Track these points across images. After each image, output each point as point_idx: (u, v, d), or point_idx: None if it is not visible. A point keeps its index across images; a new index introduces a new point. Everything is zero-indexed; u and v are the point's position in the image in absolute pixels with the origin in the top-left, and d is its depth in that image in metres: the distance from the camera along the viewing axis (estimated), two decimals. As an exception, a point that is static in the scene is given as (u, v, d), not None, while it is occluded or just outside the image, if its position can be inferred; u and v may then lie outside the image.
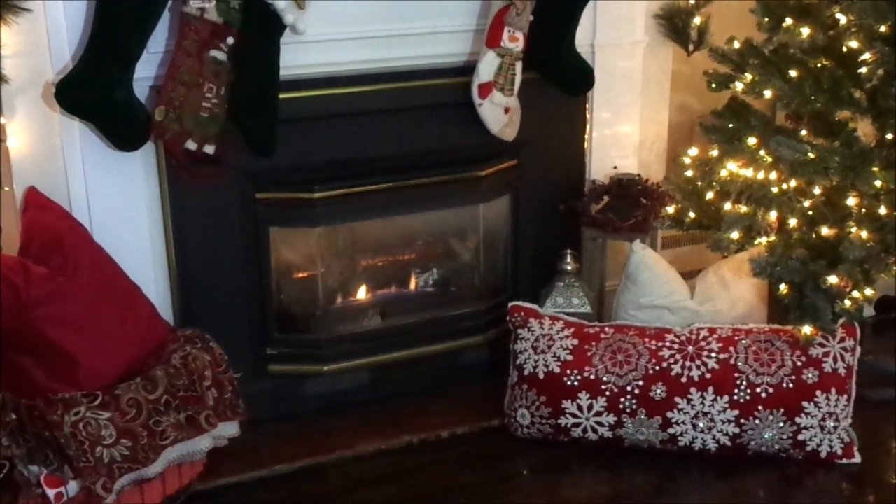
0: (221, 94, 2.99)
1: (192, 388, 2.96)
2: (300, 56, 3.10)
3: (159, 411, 2.88)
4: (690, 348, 3.18)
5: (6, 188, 3.00)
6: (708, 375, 3.13)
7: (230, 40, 2.96)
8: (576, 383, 3.17)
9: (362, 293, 3.67)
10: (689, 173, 3.42)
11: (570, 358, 3.20)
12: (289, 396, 3.46)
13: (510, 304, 3.36)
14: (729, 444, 3.14)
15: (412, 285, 3.77)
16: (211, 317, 3.23)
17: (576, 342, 3.23)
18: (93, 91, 2.85)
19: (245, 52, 2.97)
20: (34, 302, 2.74)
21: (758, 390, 3.10)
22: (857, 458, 3.19)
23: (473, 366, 3.67)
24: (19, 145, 2.97)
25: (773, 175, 3.15)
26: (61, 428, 2.70)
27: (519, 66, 3.32)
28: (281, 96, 3.05)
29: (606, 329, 3.28)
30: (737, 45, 3.27)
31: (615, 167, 3.70)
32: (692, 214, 3.37)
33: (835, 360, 3.14)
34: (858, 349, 3.18)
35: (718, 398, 3.12)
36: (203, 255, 3.23)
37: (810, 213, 3.14)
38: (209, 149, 3.01)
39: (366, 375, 3.56)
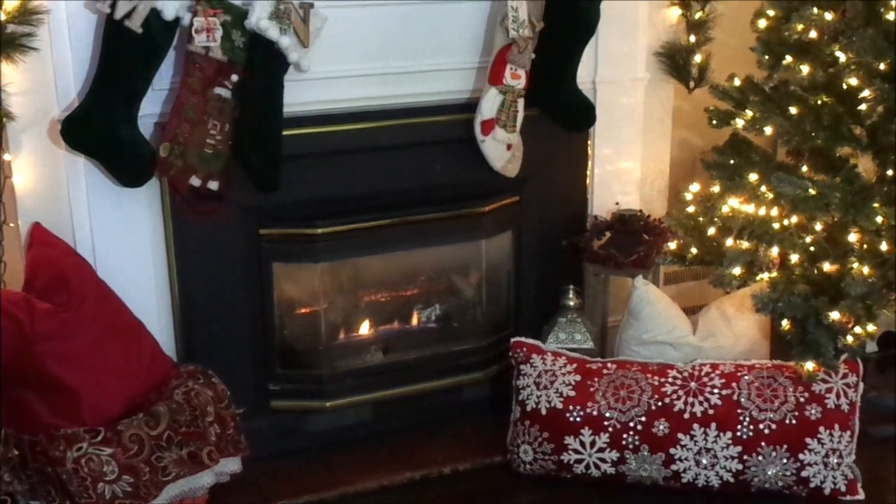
0: (225, 131, 3.02)
1: (195, 424, 2.96)
2: (303, 93, 3.13)
3: (161, 447, 2.87)
4: (693, 384, 3.17)
5: (11, 224, 3.02)
6: (711, 411, 3.12)
7: (234, 77, 2.99)
8: (578, 419, 3.16)
9: (365, 329, 3.67)
10: (691, 209, 3.44)
11: (572, 394, 3.19)
12: (291, 432, 3.45)
13: (512, 340, 3.36)
14: (732, 480, 3.13)
15: (414, 321, 3.77)
16: (213, 352, 3.24)
17: (578, 378, 3.22)
18: (98, 128, 2.87)
19: (249, 89, 3.00)
20: (38, 337, 2.75)
21: (761, 426, 3.09)
22: (861, 495, 3.17)
23: (476, 402, 3.66)
24: (24, 182, 2.99)
25: (775, 211, 3.16)
26: (63, 464, 2.70)
27: (521, 103, 3.35)
28: (284, 133, 3.08)
29: (609, 365, 3.28)
30: (737, 82, 3.30)
31: (617, 203, 3.71)
32: (694, 250, 3.37)
33: (838, 397, 3.13)
34: (861, 385, 3.17)
35: (721, 434, 3.11)
36: (206, 290, 3.23)
37: (812, 249, 3.14)
38: (213, 185, 3.04)
39: (368, 411, 3.55)
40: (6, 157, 2.94)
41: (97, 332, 2.92)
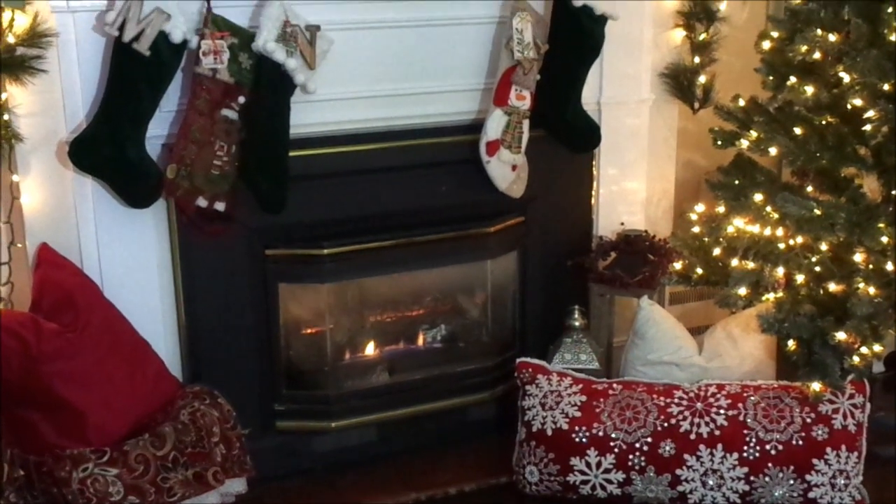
0: (232, 152, 3.04)
1: (200, 445, 2.96)
2: (310, 114, 3.15)
3: (167, 468, 2.87)
4: (699, 405, 3.17)
5: (19, 245, 3.03)
6: (717, 432, 3.11)
7: (241, 99, 3.01)
8: (584, 440, 3.16)
9: (370, 349, 3.68)
10: (696, 229, 3.44)
11: (578, 414, 3.19)
12: (296, 453, 3.45)
13: (518, 360, 3.36)
14: (739, 501, 3.12)
15: (420, 341, 3.77)
16: (219, 372, 3.24)
17: (584, 398, 3.22)
18: (106, 149, 2.89)
19: (256, 111, 3.02)
20: (44, 357, 2.76)
21: (767, 447, 3.09)
22: (869, 516, 3.16)
23: (481, 422, 3.66)
24: (32, 202, 3.00)
25: (780, 231, 3.17)
26: (69, 484, 2.70)
27: (526, 124, 3.36)
28: (291, 154, 3.09)
29: (615, 385, 3.28)
30: (742, 102, 3.31)
31: (622, 223, 3.72)
32: (699, 270, 3.38)
33: (845, 417, 3.12)
34: (868, 406, 3.16)
35: (728, 455, 3.10)
36: (212, 311, 3.24)
37: (817, 269, 3.14)
38: (219, 206, 3.05)
39: (373, 432, 3.55)
40: (14, 178, 2.96)
41: (103, 353, 2.93)
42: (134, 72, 2.85)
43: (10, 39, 2.77)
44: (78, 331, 2.86)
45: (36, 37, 2.80)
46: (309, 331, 3.56)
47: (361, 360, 3.66)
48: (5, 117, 2.84)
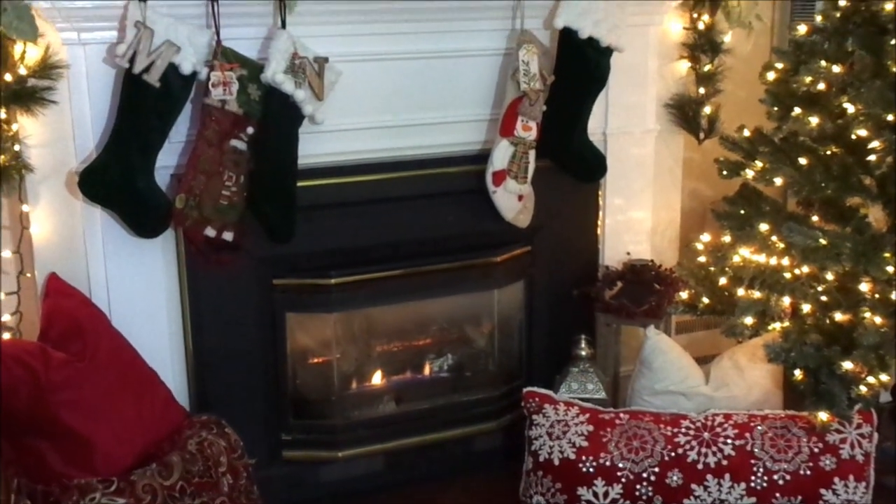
0: (241, 183, 3.05)
1: (208, 475, 2.95)
2: (317, 145, 3.17)
3: (174, 497, 2.86)
4: (706, 434, 3.16)
5: (28, 274, 3.04)
6: (724, 462, 3.10)
7: (250, 130, 3.03)
8: (591, 470, 3.15)
9: (377, 378, 3.68)
10: (702, 259, 3.45)
11: (585, 444, 3.19)
12: (303, 482, 3.45)
13: (525, 390, 3.36)
14: (747, 532, 3.11)
15: (427, 371, 3.77)
16: (226, 402, 3.24)
17: (591, 428, 3.22)
18: (115, 179, 2.91)
19: (264, 141, 3.04)
20: (53, 387, 2.76)
21: (775, 477, 3.08)
22: (878, 547, 3.15)
23: (488, 452, 3.65)
24: (42, 232, 3.02)
25: (786, 261, 3.18)
26: (76, 514, 2.69)
27: (532, 154, 3.38)
28: (299, 184, 3.11)
29: (621, 415, 3.27)
30: (747, 133, 3.33)
31: (628, 253, 3.73)
32: (706, 300, 3.39)
33: (852, 447, 3.11)
34: (876, 436, 3.16)
35: (735, 485, 3.09)
36: (219, 340, 3.25)
37: (824, 298, 3.15)
38: (228, 235, 3.06)
39: (380, 462, 3.55)
40: (24, 208, 2.98)
41: (111, 382, 2.93)
42: (144, 103, 2.88)
43: (22, 71, 2.80)
44: (86, 360, 2.86)
45: (47, 69, 2.83)
46: (316, 360, 3.56)
47: (368, 389, 3.66)
48: (16, 148, 2.86)
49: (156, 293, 3.15)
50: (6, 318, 3.05)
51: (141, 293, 3.13)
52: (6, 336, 2.99)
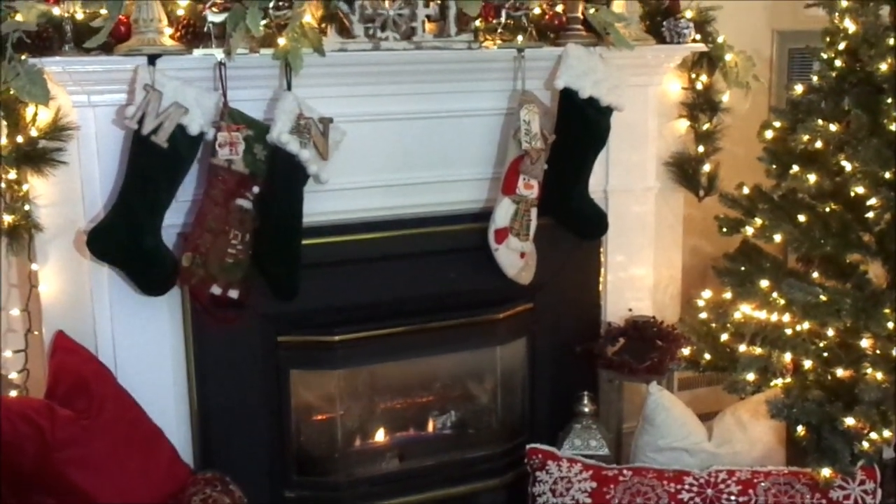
0: (246, 241, 3.08)
1: (212, 532, 2.96)
2: (322, 203, 3.20)
3: (178, 555, 2.87)
4: (710, 491, 3.16)
5: (35, 332, 3.07)
6: (728, 519, 3.10)
7: (256, 189, 3.06)
8: (595, 527, 3.14)
9: (381, 435, 3.68)
10: (704, 315, 3.47)
11: (588, 501, 3.18)
12: (307, 540, 3.44)
13: (528, 447, 3.36)
14: (752, 590, 3.10)
15: (430, 427, 3.77)
16: (231, 458, 3.24)
17: (594, 485, 3.21)
18: (123, 238, 2.94)
19: (270, 200, 3.07)
20: (59, 444, 2.77)
21: (779, 534, 3.07)
22: None
23: (492, 509, 3.65)
24: (50, 290, 3.05)
25: (787, 317, 3.18)
26: (80, 572, 2.69)
27: (534, 212, 3.41)
28: (303, 242, 3.14)
29: (625, 471, 3.27)
30: (746, 190, 3.36)
31: (630, 309, 3.75)
32: (708, 356, 3.39)
33: (856, 503, 3.11)
34: (879, 492, 3.15)
35: (740, 542, 3.08)
36: (224, 397, 3.26)
37: (825, 354, 3.15)
38: (233, 293, 3.08)
39: (384, 519, 3.54)
40: (34, 266, 3.01)
41: (116, 439, 2.94)
42: (152, 163, 2.92)
43: (33, 133, 2.85)
44: (92, 418, 2.88)
45: (58, 130, 2.88)
46: (320, 417, 3.57)
47: (372, 446, 3.66)
48: (26, 208, 2.91)
49: (161, 350, 3.17)
50: (13, 375, 3.07)
51: (147, 350, 3.14)
52: (13, 394, 3.01)
